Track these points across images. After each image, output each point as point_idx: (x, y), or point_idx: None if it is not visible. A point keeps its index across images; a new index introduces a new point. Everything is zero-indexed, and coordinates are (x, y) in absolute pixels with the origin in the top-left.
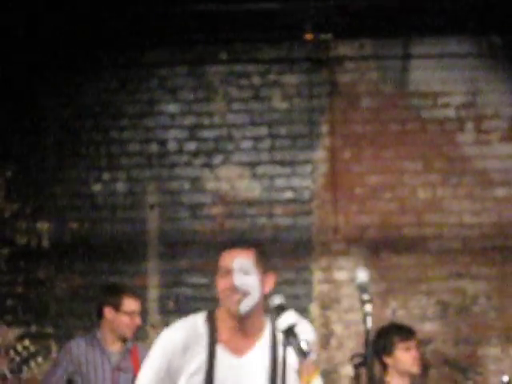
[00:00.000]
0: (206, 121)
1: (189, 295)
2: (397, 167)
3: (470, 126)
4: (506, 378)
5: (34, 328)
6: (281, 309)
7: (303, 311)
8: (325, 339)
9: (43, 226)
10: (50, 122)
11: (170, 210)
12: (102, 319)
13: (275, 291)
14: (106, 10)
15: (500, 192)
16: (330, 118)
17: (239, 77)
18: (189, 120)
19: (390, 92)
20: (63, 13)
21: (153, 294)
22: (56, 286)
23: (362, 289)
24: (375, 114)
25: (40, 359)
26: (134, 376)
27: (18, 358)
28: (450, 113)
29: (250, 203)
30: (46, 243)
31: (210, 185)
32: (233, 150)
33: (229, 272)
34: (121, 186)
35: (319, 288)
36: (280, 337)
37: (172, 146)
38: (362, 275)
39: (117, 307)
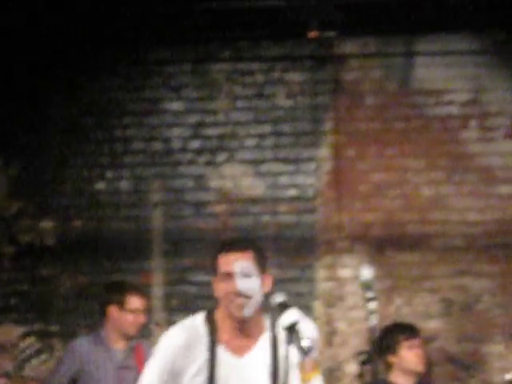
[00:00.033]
0: (210, 119)
1: (193, 293)
2: (401, 165)
3: (473, 123)
4: (509, 376)
5: (38, 326)
6: (283, 306)
7: (307, 309)
8: (329, 337)
9: (47, 224)
10: (53, 120)
11: (174, 207)
12: (106, 317)
13: (278, 289)
14: (111, 8)
15: (504, 189)
16: (333, 116)
17: (243, 74)
18: (193, 118)
19: (393, 90)
20: (66, 11)
21: (157, 291)
22: (60, 284)
23: (366, 286)
24: (379, 111)
25: (44, 357)
26: (138, 374)
27: (22, 356)
28: (454, 110)
29: (254, 201)
30: (49, 241)
31: (214, 183)
32: (237, 148)
33: (229, 276)
34: (125, 184)
35: (323, 286)
36: (280, 335)
37: (176, 143)
38: (366, 273)
39: (121, 305)
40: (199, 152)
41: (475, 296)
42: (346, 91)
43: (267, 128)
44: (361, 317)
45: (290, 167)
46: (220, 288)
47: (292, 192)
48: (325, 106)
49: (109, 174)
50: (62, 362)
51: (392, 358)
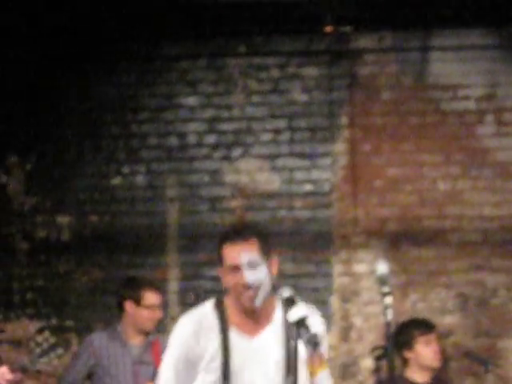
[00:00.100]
0: (226, 114)
1: (208, 288)
2: (416, 159)
3: (489, 118)
4: None
5: (54, 321)
6: (291, 301)
7: (323, 304)
8: (344, 332)
9: (63, 219)
10: (69, 116)
11: (189, 203)
12: (122, 313)
13: (294, 284)
14: (127, 2)
15: None
16: (349, 111)
17: (259, 69)
18: (208, 113)
19: (409, 84)
20: (81, 7)
21: (173, 286)
22: (76, 279)
23: (382, 281)
24: (395, 106)
25: (60, 352)
26: (155, 369)
27: (38, 351)
28: (470, 105)
29: (270, 196)
30: (65, 237)
31: (230, 178)
32: (252, 143)
33: (237, 268)
34: (140, 180)
35: (339, 281)
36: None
37: (191, 139)
38: (382, 268)
39: (137, 301)
40: (214, 147)
41: (491, 291)
42: (361, 86)
43: (283, 123)
44: (376, 312)
45: (306, 162)
46: (228, 280)
47: (308, 187)
48: (340, 100)
49: (124, 170)
50: (77, 357)
51: (408, 354)
